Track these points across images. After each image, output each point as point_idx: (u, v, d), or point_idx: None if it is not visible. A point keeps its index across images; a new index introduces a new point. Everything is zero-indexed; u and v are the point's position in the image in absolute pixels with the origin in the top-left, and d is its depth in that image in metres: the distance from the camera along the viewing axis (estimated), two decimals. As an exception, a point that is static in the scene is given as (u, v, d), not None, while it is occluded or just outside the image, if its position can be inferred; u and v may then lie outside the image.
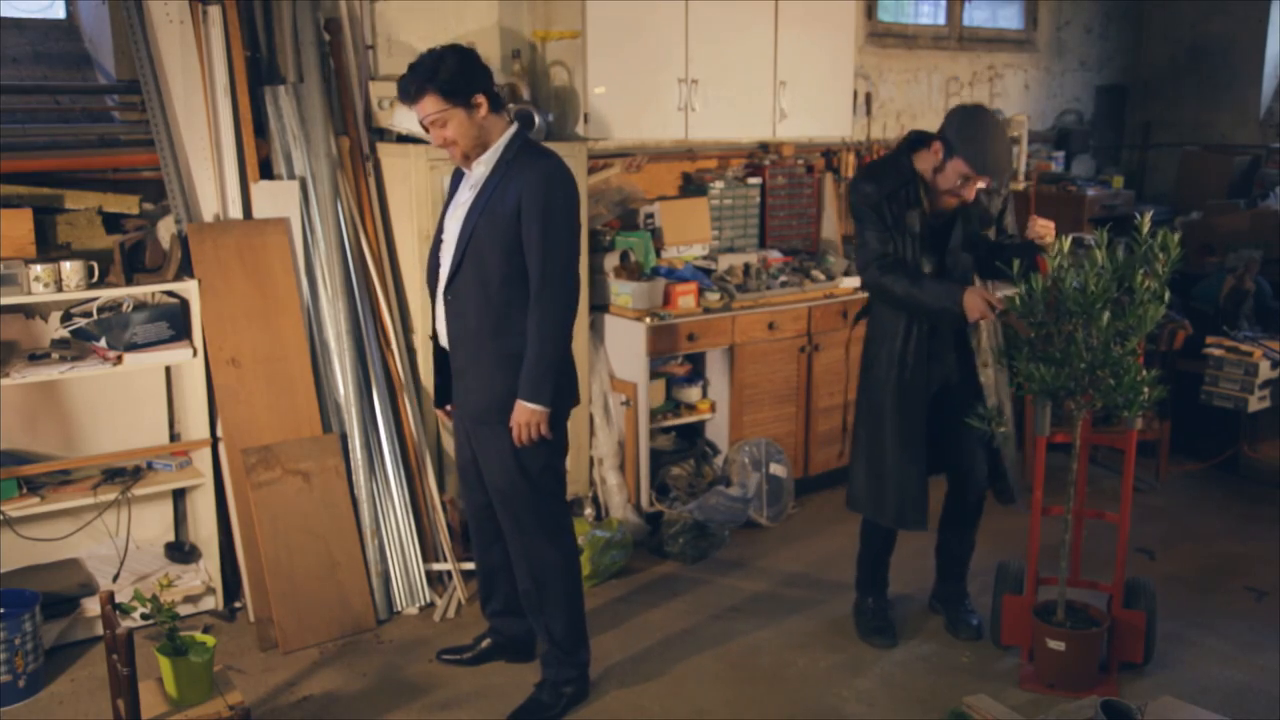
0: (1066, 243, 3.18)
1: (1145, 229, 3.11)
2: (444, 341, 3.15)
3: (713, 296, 4.58)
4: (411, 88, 2.93)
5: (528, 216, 2.92)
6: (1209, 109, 6.98)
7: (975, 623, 3.68)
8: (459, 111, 2.93)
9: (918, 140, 3.43)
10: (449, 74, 2.91)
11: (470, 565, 3.87)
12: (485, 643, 3.50)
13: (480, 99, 2.95)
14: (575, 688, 3.26)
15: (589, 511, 4.38)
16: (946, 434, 3.55)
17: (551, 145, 4.07)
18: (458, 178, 3.17)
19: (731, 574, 4.20)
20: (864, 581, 3.78)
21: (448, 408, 3.30)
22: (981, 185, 3.31)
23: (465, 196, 3.05)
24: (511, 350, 3.00)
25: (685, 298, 4.50)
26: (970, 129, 3.26)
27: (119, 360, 3.51)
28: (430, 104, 2.92)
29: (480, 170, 3.03)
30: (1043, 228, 3.31)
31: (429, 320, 3.91)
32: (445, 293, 3.03)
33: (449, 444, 4.10)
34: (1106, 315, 3.07)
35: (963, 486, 3.64)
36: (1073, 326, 3.12)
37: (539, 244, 2.92)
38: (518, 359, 2.99)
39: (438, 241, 3.14)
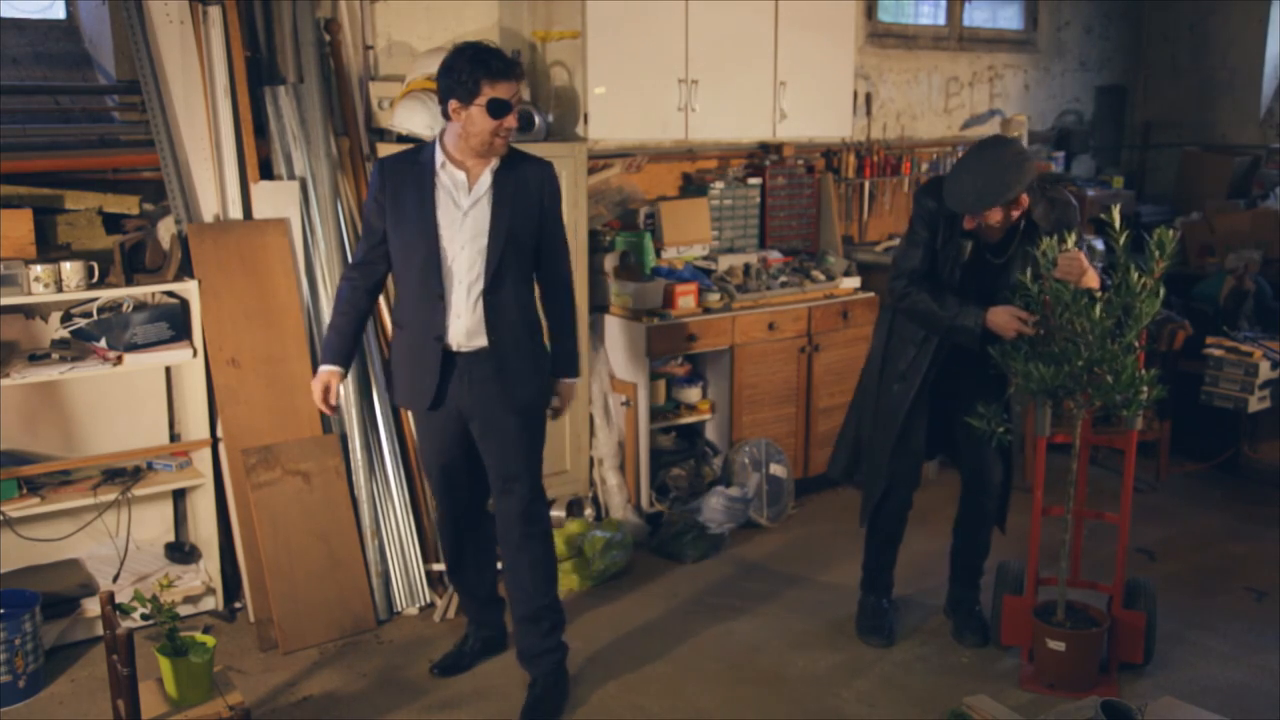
0: (1047, 243, 3.17)
1: (1118, 223, 3.10)
2: (462, 340, 3.10)
3: (713, 297, 4.58)
4: (517, 67, 3.03)
5: (550, 212, 3.16)
6: (1209, 109, 6.98)
7: (980, 630, 3.65)
8: None
9: None
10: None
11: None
12: (471, 644, 3.51)
13: None
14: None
15: (589, 512, 4.38)
16: (964, 437, 3.55)
17: (551, 145, 4.11)
18: (401, 175, 3.10)
19: (732, 574, 4.20)
20: (866, 580, 3.78)
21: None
22: (987, 219, 3.24)
23: (474, 195, 3.05)
24: (541, 340, 3.24)
25: (685, 298, 4.50)
26: (951, 185, 3.23)
27: (119, 360, 3.51)
28: (517, 88, 3.04)
29: (484, 173, 3.06)
30: (1065, 270, 3.14)
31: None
32: (486, 292, 3.07)
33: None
34: (1099, 308, 3.08)
35: (975, 492, 3.63)
36: (1067, 319, 3.12)
37: (560, 236, 3.22)
38: (544, 346, 3.25)
39: (434, 243, 3.05)
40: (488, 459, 3.24)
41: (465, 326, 3.09)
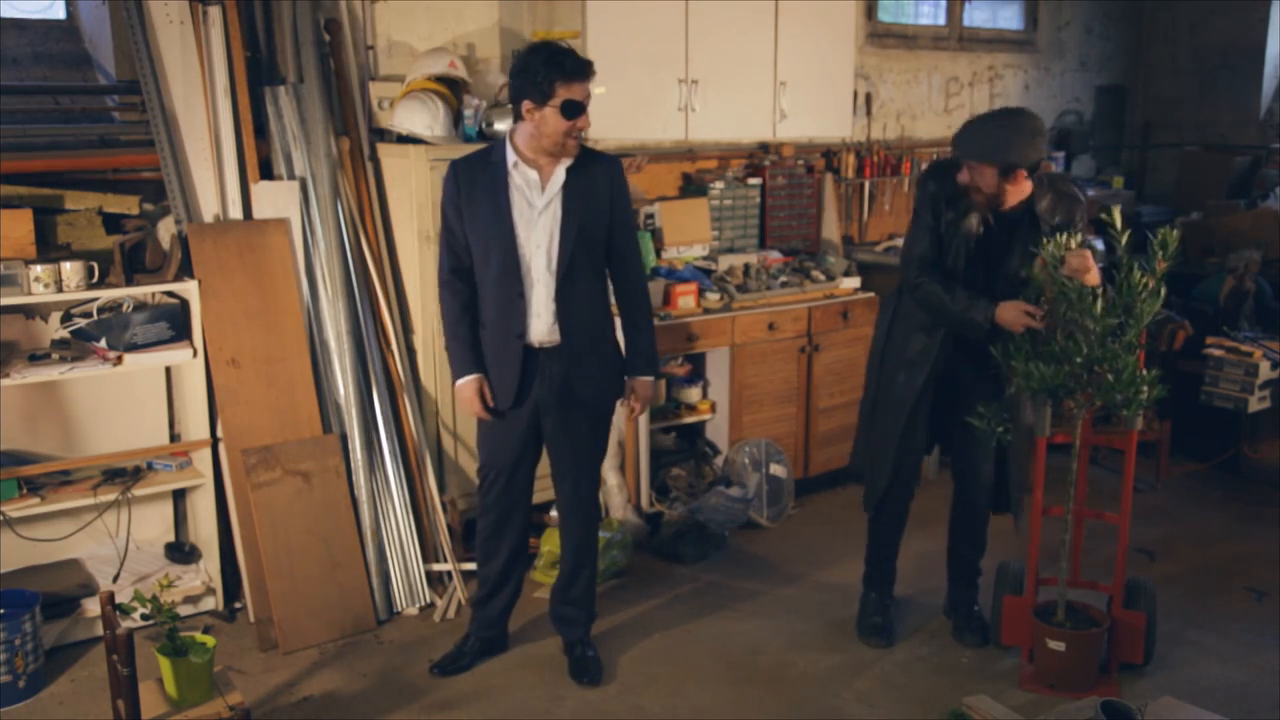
0: (1058, 240, 3.17)
1: (1119, 223, 3.11)
2: (543, 337, 3.18)
3: (713, 297, 4.59)
4: (590, 67, 3.05)
5: (620, 208, 3.21)
6: (1209, 109, 6.98)
7: (980, 630, 3.65)
8: None
9: None
10: None
11: (470, 565, 3.87)
12: (471, 643, 3.51)
13: None
14: None
15: (589, 512, 4.38)
16: (956, 435, 3.55)
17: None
18: (474, 176, 3.16)
19: (731, 574, 4.20)
20: (868, 576, 3.77)
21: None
22: (981, 179, 3.24)
23: (548, 194, 3.12)
24: (612, 333, 3.30)
25: (685, 298, 4.50)
26: (961, 131, 3.28)
27: (119, 360, 3.51)
28: (589, 89, 3.06)
29: (557, 171, 3.12)
30: (1072, 267, 3.13)
31: (429, 320, 3.93)
32: (558, 288, 3.14)
33: (449, 444, 4.10)
34: (1100, 305, 3.08)
35: (967, 491, 3.64)
36: (1071, 317, 3.12)
37: (633, 233, 3.29)
38: (615, 343, 3.32)
39: (510, 242, 3.12)
40: (562, 452, 3.31)
41: (545, 324, 3.17)
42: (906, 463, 3.56)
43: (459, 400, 3.31)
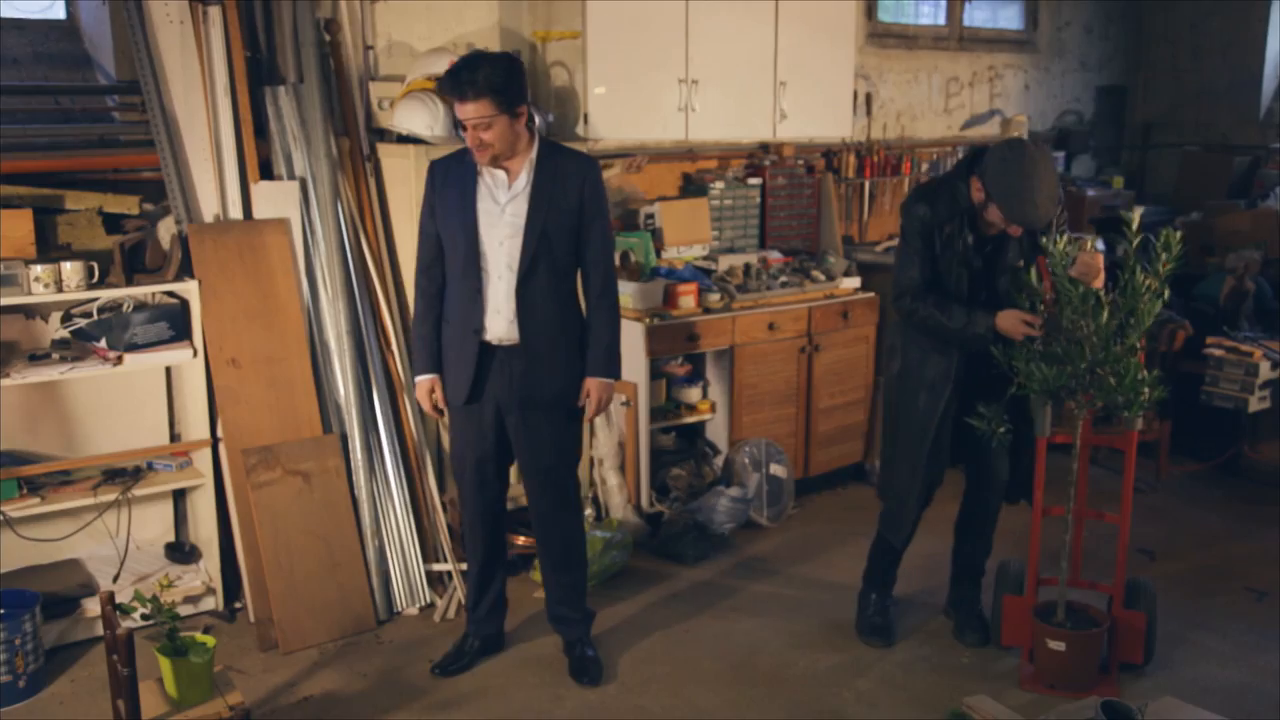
0: (1063, 241, 3.18)
1: (1135, 226, 3.11)
2: (501, 335, 3.18)
3: (713, 297, 4.58)
4: (469, 90, 2.98)
5: (592, 210, 3.18)
6: (1209, 109, 6.98)
7: (980, 629, 3.65)
8: (504, 119, 3.03)
9: (975, 161, 3.32)
10: (505, 84, 3.01)
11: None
12: (471, 643, 3.52)
13: (523, 109, 3.08)
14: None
15: (589, 512, 4.37)
16: (970, 436, 3.55)
17: (552, 146, 4.08)
18: (448, 174, 3.21)
19: (731, 574, 4.20)
20: (870, 575, 3.77)
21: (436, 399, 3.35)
22: (997, 217, 3.25)
23: (513, 191, 3.13)
24: (579, 335, 3.26)
25: (686, 298, 4.50)
26: (1006, 177, 3.18)
27: (119, 361, 3.51)
28: (482, 108, 3.00)
29: (522, 170, 3.13)
30: (1082, 271, 3.15)
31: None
32: (518, 287, 3.13)
33: (449, 444, 4.10)
34: (1105, 313, 3.08)
35: (982, 490, 3.63)
36: (1072, 323, 3.12)
37: (603, 235, 3.23)
38: (584, 343, 3.26)
39: (473, 237, 3.15)
40: (523, 452, 3.31)
41: (504, 321, 3.17)
42: (931, 478, 3.55)
43: (416, 396, 3.38)
